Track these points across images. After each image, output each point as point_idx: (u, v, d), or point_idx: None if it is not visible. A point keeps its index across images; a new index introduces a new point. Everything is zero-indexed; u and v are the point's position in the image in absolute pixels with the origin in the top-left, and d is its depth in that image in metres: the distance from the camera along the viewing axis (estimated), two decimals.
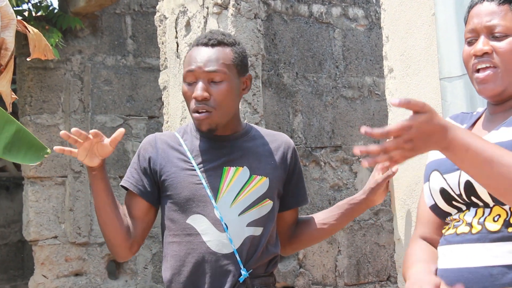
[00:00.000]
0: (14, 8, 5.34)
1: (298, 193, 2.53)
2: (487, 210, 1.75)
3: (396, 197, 2.55)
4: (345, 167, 4.48)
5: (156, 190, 2.44)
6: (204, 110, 2.33)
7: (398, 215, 2.60)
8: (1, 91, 2.99)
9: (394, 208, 2.61)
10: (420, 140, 1.59)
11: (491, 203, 1.74)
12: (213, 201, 2.38)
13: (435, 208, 1.90)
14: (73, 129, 2.28)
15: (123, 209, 2.46)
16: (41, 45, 3.21)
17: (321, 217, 2.56)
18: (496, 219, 1.74)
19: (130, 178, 2.46)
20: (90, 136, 2.28)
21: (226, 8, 4.03)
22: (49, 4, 5.75)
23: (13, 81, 6.17)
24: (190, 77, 2.34)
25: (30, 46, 3.17)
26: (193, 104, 2.34)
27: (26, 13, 5.59)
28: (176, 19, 4.31)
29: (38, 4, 5.70)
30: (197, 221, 2.39)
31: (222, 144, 2.43)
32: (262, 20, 4.13)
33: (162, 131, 4.36)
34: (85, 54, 5.87)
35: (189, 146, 2.44)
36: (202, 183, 2.39)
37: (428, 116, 1.59)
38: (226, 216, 2.36)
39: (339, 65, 4.60)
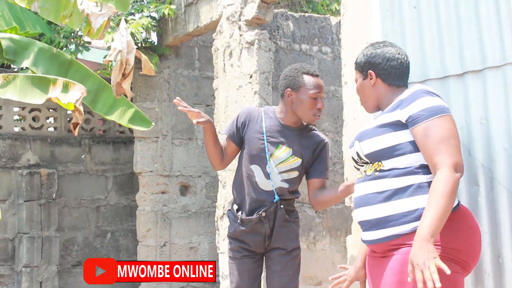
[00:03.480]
0: None
1: (317, 169, 2.87)
2: (371, 165, 2.11)
3: None
4: None
5: (240, 138, 2.84)
6: (320, 114, 2.73)
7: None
8: (125, 89, 3.33)
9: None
10: (421, 259, 1.80)
11: (373, 161, 2.08)
12: (268, 160, 2.75)
13: (355, 167, 2.22)
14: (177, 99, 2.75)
15: (221, 145, 2.86)
16: (148, 66, 3.53)
17: (332, 191, 2.85)
18: (371, 167, 2.09)
19: (229, 128, 2.86)
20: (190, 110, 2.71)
21: (252, 44, 4.62)
22: (152, 40, 6.63)
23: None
24: (316, 96, 2.70)
25: (142, 66, 3.53)
26: (315, 110, 2.72)
27: (139, 44, 6.19)
28: (224, 50, 4.92)
29: (146, 39, 6.46)
30: (256, 168, 2.79)
31: (286, 131, 2.77)
32: (273, 52, 4.77)
33: (213, 116, 5.00)
34: (171, 68, 6.68)
35: (267, 124, 2.76)
36: (264, 148, 2.73)
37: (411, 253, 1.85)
38: (272, 171, 2.74)
39: None
